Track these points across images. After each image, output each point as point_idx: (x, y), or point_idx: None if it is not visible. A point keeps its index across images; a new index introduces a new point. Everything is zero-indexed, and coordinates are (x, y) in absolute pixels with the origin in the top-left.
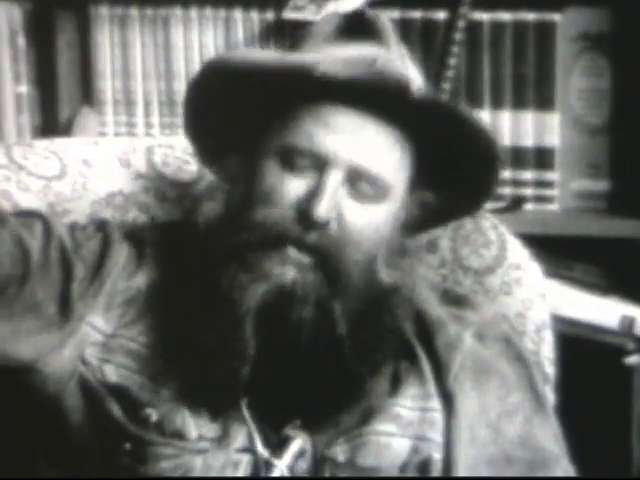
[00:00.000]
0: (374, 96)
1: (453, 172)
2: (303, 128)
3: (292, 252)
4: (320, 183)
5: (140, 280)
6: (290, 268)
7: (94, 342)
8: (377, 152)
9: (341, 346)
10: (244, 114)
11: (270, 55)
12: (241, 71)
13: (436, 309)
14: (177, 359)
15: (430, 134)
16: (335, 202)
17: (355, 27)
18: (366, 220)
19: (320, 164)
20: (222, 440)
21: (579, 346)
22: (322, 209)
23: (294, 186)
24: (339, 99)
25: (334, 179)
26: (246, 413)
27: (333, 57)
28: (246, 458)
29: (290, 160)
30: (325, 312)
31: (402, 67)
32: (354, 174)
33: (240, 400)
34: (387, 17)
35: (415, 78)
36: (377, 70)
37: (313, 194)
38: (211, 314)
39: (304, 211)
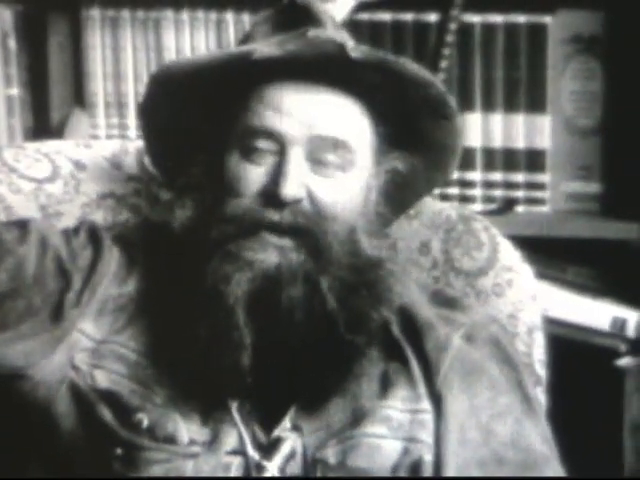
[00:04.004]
0: (315, 66)
1: (418, 136)
2: (255, 111)
3: (270, 237)
4: (282, 163)
5: (131, 286)
6: (271, 252)
7: (84, 348)
8: (332, 118)
9: (334, 319)
10: (199, 118)
11: (210, 53)
12: (187, 76)
13: (426, 311)
14: (168, 364)
15: (383, 97)
16: (301, 181)
17: (290, 17)
18: (337, 192)
19: (278, 145)
20: (213, 443)
21: (571, 348)
22: (288, 187)
23: (257, 172)
24: (286, 79)
25: (295, 156)
26: (236, 416)
27: (268, 42)
28: (237, 461)
29: (249, 147)
30: (314, 288)
31: (337, 35)
32: (314, 146)
33: (231, 401)
34: (379, 19)
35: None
36: (308, 39)
37: (277, 175)
38: (202, 310)
39: (271, 194)
